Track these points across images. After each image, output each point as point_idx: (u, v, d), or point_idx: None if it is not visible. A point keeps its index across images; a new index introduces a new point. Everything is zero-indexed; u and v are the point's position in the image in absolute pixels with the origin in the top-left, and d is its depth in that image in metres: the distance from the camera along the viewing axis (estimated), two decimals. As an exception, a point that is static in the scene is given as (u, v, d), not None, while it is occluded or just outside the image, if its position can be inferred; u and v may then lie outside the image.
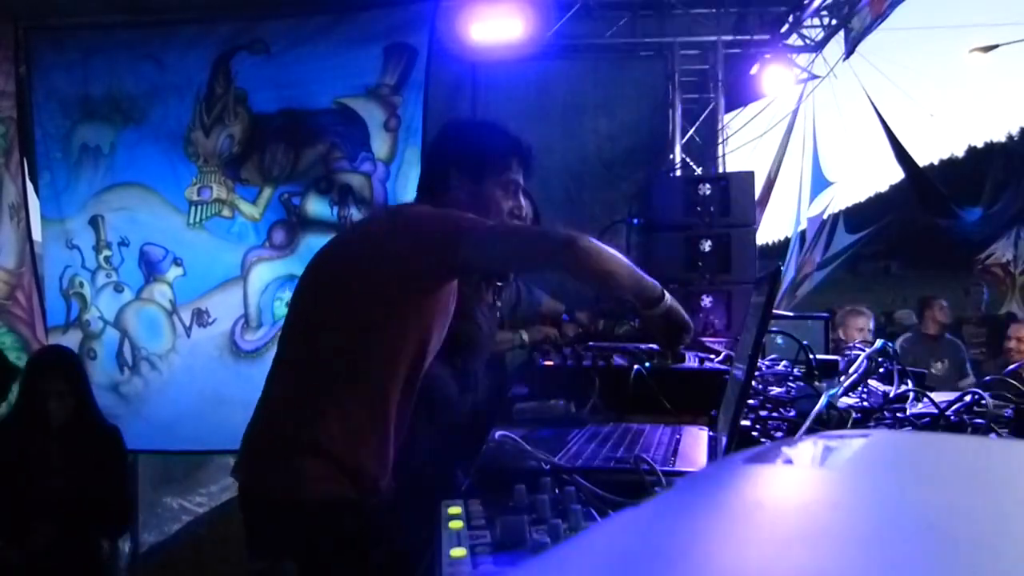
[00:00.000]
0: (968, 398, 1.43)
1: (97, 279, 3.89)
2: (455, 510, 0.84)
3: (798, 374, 1.84)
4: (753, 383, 1.52)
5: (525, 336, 2.69)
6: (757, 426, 1.41)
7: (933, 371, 4.46)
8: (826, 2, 4.69)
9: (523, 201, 1.65)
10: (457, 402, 2.15)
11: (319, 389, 1.42)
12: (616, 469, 1.06)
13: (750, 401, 1.56)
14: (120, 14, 3.93)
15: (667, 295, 1.41)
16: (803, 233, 7.29)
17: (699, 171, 4.65)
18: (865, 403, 1.54)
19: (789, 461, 0.40)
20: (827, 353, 2.30)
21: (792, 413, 1.50)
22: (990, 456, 0.41)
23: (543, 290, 3.26)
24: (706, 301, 2.89)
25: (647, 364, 1.75)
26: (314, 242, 3.47)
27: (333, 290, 1.48)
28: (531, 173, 1.67)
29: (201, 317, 3.77)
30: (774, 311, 2.29)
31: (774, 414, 1.51)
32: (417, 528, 1.16)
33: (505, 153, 1.61)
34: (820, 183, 6.78)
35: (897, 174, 7.51)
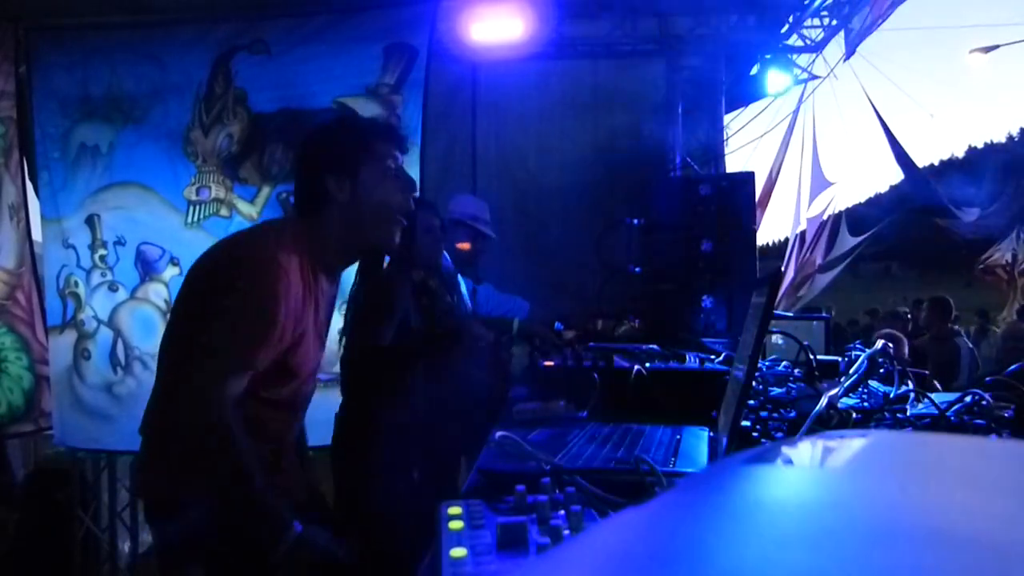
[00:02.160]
0: (968, 399, 1.43)
1: (92, 278, 3.89)
2: (455, 510, 0.84)
3: (798, 375, 1.84)
4: (753, 384, 1.52)
5: (516, 324, 2.69)
6: (757, 426, 1.41)
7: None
8: (826, 2, 4.69)
9: (409, 176, 1.61)
10: (418, 396, 2.16)
11: (163, 404, 1.48)
12: (616, 470, 1.06)
13: (750, 402, 1.56)
14: (120, 14, 3.93)
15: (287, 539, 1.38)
16: (803, 234, 7.29)
17: (699, 171, 4.65)
18: (865, 404, 1.54)
19: (789, 461, 0.40)
20: (828, 354, 2.30)
21: (792, 414, 1.50)
22: (990, 456, 0.41)
23: (526, 300, 3.26)
24: (706, 301, 2.89)
25: (647, 365, 1.75)
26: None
27: (172, 311, 1.57)
28: (403, 149, 1.62)
29: (197, 317, 3.77)
30: (775, 311, 2.29)
31: (774, 415, 1.51)
32: (416, 528, 1.16)
33: (368, 138, 1.57)
34: (820, 183, 6.78)
35: (897, 175, 7.53)
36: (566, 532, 0.76)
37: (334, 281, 1.63)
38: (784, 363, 2.03)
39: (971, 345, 5.52)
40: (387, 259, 2.26)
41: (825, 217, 7.31)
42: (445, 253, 2.89)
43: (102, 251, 3.88)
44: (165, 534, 1.49)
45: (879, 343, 1.79)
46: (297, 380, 1.53)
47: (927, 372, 2.14)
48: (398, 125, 3.76)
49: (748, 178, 3.19)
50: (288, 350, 1.45)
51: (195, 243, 3.78)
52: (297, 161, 1.63)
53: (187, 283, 1.51)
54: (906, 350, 4.27)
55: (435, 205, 2.49)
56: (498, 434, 1.18)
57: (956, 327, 5.83)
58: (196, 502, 1.42)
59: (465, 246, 2.98)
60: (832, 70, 5.02)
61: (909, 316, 7.06)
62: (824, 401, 1.35)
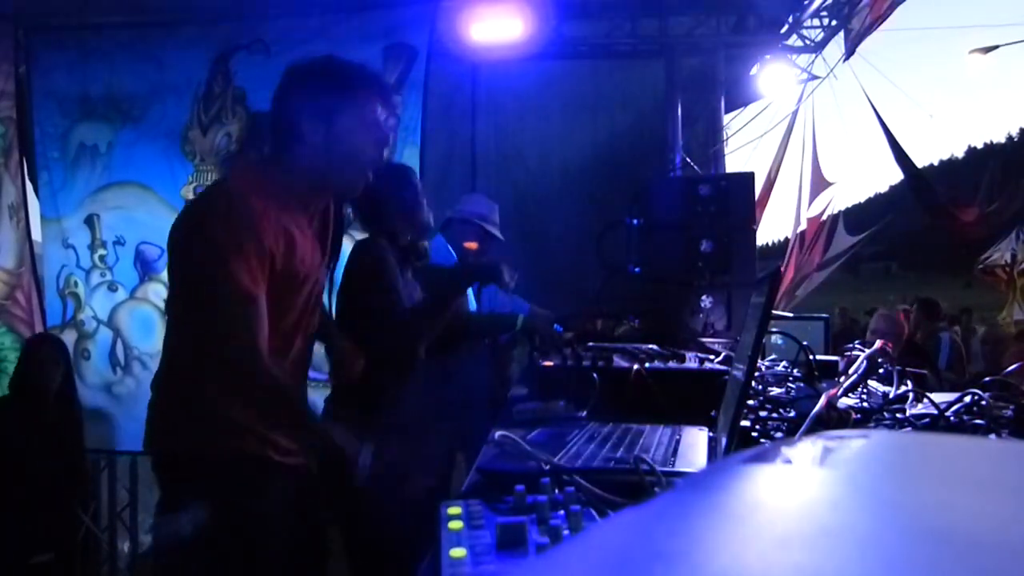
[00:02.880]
0: (968, 399, 1.43)
1: (91, 278, 3.89)
2: (455, 510, 0.84)
3: (798, 375, 1.84)
4: (753, 384, 1.52)
5: (521, 318, 2.68)
6: (757, 426, 1.41)
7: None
8: (826, 3, 4.69)
9: (388, 131, 1.58)
10: (396, 390, 2.12)
11: (178, 354, 1.52)
12: (616, 470, 1.06)
13: (750, 402, 1.56)
14: (119, 14, 3.93)
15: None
16: (803, 234, 7.28)
17: (699, 171, 4.64)
18: (865, 404, 1.54)
19: (789, 461, 0.40)
20: (828, 354, 2.30)
21: (792, 414, 1.50)
22: (990, 456, 0.41)
23: (525, 299, 3.25)
24: (706, 301, 2.89)
25: (647, 365, 1.75)
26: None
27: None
28: (388, 101, 1.57)
29: (196, 316, 3.78)
30: (774, 312, 2.29)
31: (774, 415, 1.51)
32: (416, 527, 1.17)
33: (350, 83, 1.52)
34: (819, 183, 6.78)
35: (896, 175, 7.51)
36: (565, 532, 0.76)
37: (312, 212, 1.61)
38: (784, 363, 2.03)
39: (952, 337, 5.57)
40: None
41: (824, 218, 7.30)
42: (451, 250, 2.88)
43: (101, 251, 3.88)
44: (172, 490, 1.52)
45: (878, 343, 1.79)
46: (301, 289, 1.54)
47: (926, 372, 2.13)
48: (397, 125, 3.76)
49: (748, 178, 3.18)
50: (284, 263, 1.47)
51: (194, 243, 3.78)
52: (276, 94, 1.56)
53: (170, 243, 1.53)
54: (904, 332, 4.27)
55: (412, 169, 2.46)
56: (497, 434, 1.18)
57: (942, 325, 5.88)
58: (206, 459, 1.45)
59: (472, 245, 2.97)
60: (832, 70, 5.02)
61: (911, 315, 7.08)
62: (823, 401, 1.35)
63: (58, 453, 3.25)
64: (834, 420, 1.33)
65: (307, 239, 1.55)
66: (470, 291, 2.92)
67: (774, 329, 2.28)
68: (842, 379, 1.69)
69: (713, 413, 1.46)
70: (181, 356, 1.52)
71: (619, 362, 1.85)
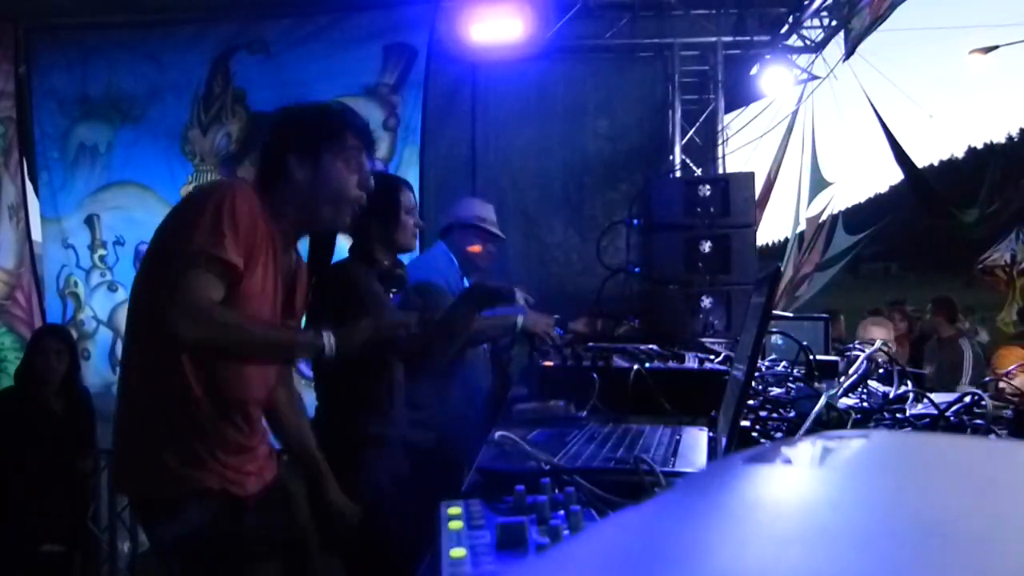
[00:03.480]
0: (968, 399, 1.43)
1: (91, 278, 3.89)
2: (455, 510, 0.84)
3: (798, 375, 1.84)
4: (753, 384, 1.52)
5: (520, 320, 2.67)
6: (757, 426, 1.41)
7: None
8: (826, 3, 4.69)
9: (369, 174, 1.63)
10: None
11: (140, 389, 1.48)
12: (616, 470, 1.06)
13: (750, 402, 1.56)
14: (119, 14, 3.93)
15: (327, 341, 1.47)
16: (802, 234, 7.28)
17: (699, 172, 4.64)
18: (865, 404, 1.54)
19: (789, 461, 0.40)
20: (827, 354, 2.30)
21: (792, 414, 1.50)
22: (989, 457, 0.41)
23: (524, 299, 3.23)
24: (706, 301, 2.89)
25: (646, 365, 1.75)
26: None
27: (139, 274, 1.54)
28: (371, 147, 1.65)
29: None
30: (774, 312, 2.29)
31: (774, 415, 1.51)
32: (416, 528, 1.17)
33: (338, 126, 1.59)
34: (819, 184, 6.77)
35: (896, 175, 7.51)
36: (565, 532, 0.76)
37: (287, 251, 1.61)
38: (784, 363, 2.03)
39: (974, 346, 5.45)
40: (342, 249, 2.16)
41: (824, 219, 7.29)
42: (453, 258, 2.87)
43: (101, 251, 3.89)
44: (150, 531, 1.51)
45: (878, 342, 1.79)
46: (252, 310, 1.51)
47: (925, 372, 2.14)
48: (397, 125, 3.77)
49: (748, 178, 3.17)
50: (244, 272, 1.44)
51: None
52: (268, 132, 1.64)
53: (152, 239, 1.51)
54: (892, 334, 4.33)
55: (401, 182, 2.37)
56: (497, 434, 1.18)
57: (962, 327, 5.80)
58: (185, 496, 1.43)
59: (477, 249, 2.94)
60: (832, 70, 5.01)
61: (917, 316, 7.07)
62: (823, 401, 1.35)
63: (62, 441, 3.26)
64: (834, 421, 1.33)
65: (272, 271, 1.54)
66: None
67: (774, 329, 2.28)
68: (842, 379, 1.69)
69: (713, 413, 1.46)
70: (136, 374, 1.49)
71: (619, 362, 1.85)
